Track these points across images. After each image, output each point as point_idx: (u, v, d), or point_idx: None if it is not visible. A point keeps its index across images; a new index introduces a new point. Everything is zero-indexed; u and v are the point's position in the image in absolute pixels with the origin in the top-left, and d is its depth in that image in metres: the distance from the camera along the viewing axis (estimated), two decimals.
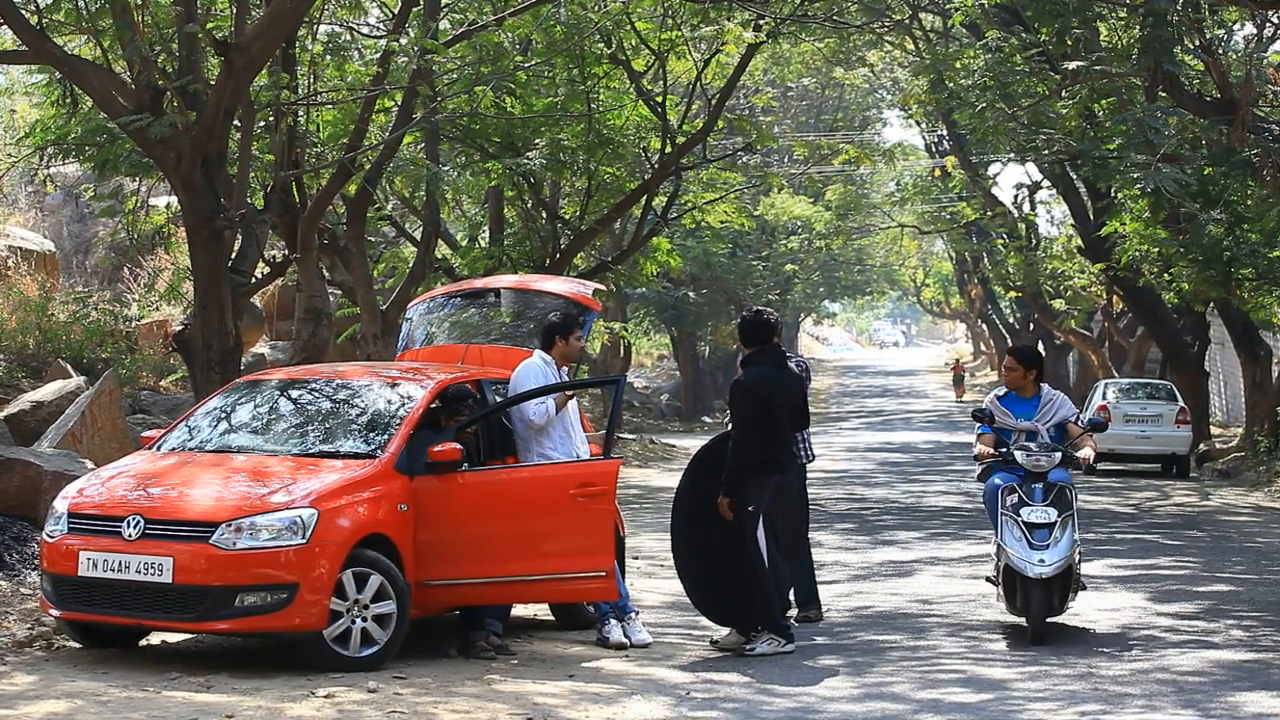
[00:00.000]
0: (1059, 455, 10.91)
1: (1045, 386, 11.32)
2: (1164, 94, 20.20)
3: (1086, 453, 11.13)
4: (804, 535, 11.45)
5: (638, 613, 10.72)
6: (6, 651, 9.64)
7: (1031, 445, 10.93)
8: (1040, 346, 54.44)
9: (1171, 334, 32.02)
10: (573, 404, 10.78)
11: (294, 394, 10.75)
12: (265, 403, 10.69)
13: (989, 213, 40.16)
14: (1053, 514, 10.64)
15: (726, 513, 10.29)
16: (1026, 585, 10.57)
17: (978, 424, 11.31)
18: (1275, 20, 24.00)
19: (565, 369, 11.06)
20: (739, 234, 40.59)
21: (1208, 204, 24.15)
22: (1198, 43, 21.55)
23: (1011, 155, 32.50)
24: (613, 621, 10.46)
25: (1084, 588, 11.31)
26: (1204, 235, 25.34)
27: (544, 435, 10.49)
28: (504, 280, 14.01)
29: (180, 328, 14.41)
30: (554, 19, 18.79)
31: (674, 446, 33.83)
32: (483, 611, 10.14)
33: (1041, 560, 10.51)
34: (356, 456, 9.84)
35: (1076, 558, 10.87)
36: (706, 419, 46.79)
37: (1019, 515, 10.67)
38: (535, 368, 10.65)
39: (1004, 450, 10.99)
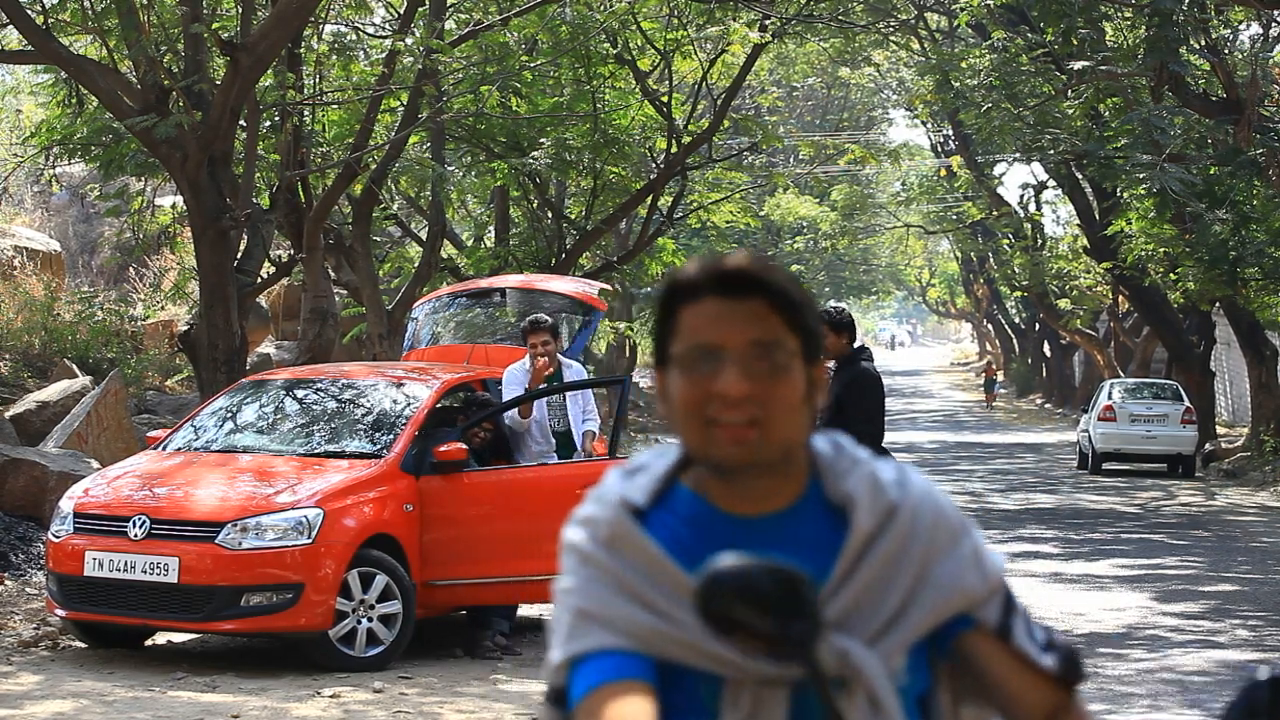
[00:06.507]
0: None
1: None
2: (1170, 94, 20.22)
3: None
4: None
5: None
6: (12, 651, 9.65)
7: None
8: (1046, 346, 54.55)
9: (1177, 334, 31.98)
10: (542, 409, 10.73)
11: (299, 394, 10.76)
12: (271, 403, 10.70)
13: (994, 212, 40.14)
14: None
15: None
16: None
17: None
18: None
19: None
20: (744, 234, 40.56)
21: (1213, 204, 24.15)
22: (1203, 42, 21.58)
23: (1017, 155, 32.48)
24: None
25: None
26: (1210, 235, 25.32)
27: (525, 433, 10.51)
28: (509, 280, 14.01)
29: (186, 328, 14.41)
30: (559, 19, 18.78)
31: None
32: (489, 611, 10.14)
33: None
34: (362, 456, 9.84)
35: None
36: None
37: None
38: (514, 370, 10.67)
39: None
